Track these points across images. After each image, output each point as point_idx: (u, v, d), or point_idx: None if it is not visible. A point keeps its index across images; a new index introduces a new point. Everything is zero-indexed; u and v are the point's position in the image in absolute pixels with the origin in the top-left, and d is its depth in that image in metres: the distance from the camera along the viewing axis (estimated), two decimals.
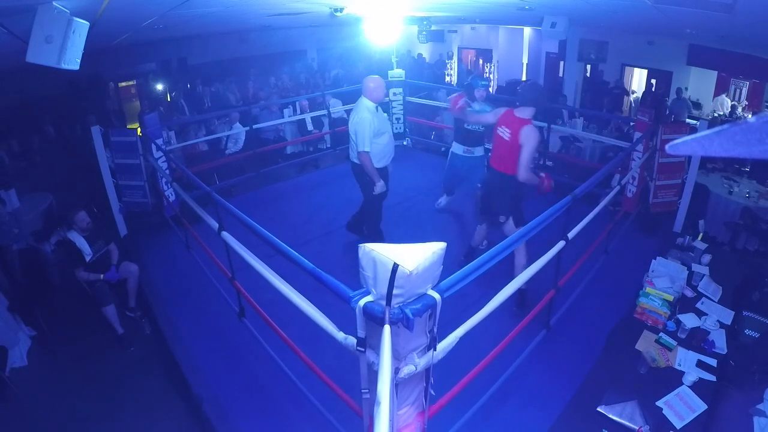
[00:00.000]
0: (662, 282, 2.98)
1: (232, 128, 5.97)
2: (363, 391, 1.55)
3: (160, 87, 8.97)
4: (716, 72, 7.64)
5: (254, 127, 5.75)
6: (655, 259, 3.24)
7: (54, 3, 2.26)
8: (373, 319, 1.36)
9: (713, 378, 2.38)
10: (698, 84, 7.86)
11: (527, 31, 10.15)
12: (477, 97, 4.03)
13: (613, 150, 5.45)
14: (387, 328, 1.28)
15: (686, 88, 7.74)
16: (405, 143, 6.63)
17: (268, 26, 8.58)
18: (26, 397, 2.92)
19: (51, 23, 2.27)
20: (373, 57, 10.13)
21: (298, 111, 6.87)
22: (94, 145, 4.18)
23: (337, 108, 6.56)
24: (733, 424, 2.17)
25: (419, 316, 1.36)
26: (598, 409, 2.21)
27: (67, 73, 2.60)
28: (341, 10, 5.62)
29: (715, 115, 7.55)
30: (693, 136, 0.47)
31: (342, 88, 7.13)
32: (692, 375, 2.35)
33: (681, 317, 2.79)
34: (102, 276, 3.39)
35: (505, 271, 2.08)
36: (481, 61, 11.52)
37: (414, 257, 1.31)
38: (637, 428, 2.09)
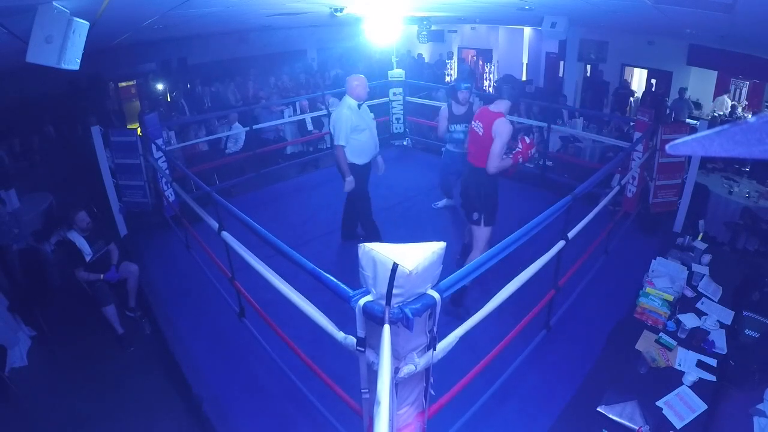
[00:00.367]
0: (662, 282, 2.98)
1: (231, 128, 5.97)
2: (363, 390, 1.55)
3: (160, 87, 8.97)
4: (716, 72, 7.64)
5: (254, 127, 5.75)
6: (655, 259, 3.25)
7: (54, 3, 2.26)
8: (373, 319, 1.35)
9: (713, 378, 2.39)
10: (698, 84, 7.85)
11: (527, 31, 10.15)
12: (460, 99, 4.09)
13: (613, 150, 5.45)
14: (387, 327, 1.27)
15: (686, 89, 7.74)
16: (405, 143, 6.63)
17: (268, 26, 8.58)
18: (26, 397, 2.91)
19: (51, 23, 2.27)
20: (373, 57, 10.13)
21: (298, 111, 6.87)
22: (94, 145, 4.18)
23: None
24: (733, 424, 2.17)
25: (419, 316, 1.36)
26: (598, 409, 2.21)
27: (67, 73, 2.60)
28: (341, 10, 5.62)
29: (715, 115, 7.54)
30: (693, 136, 0.47)
31: (342, 88, 7.10)
32: (692, 375, 2.36)
33: (681, 317, 2.79)
34: (102, 276, 3.39)
35: (505, 271, 2.08)
36: (480, 62, 11.52)
37: (414, 257, 1.31)
38: (637, 428, 2.09)
